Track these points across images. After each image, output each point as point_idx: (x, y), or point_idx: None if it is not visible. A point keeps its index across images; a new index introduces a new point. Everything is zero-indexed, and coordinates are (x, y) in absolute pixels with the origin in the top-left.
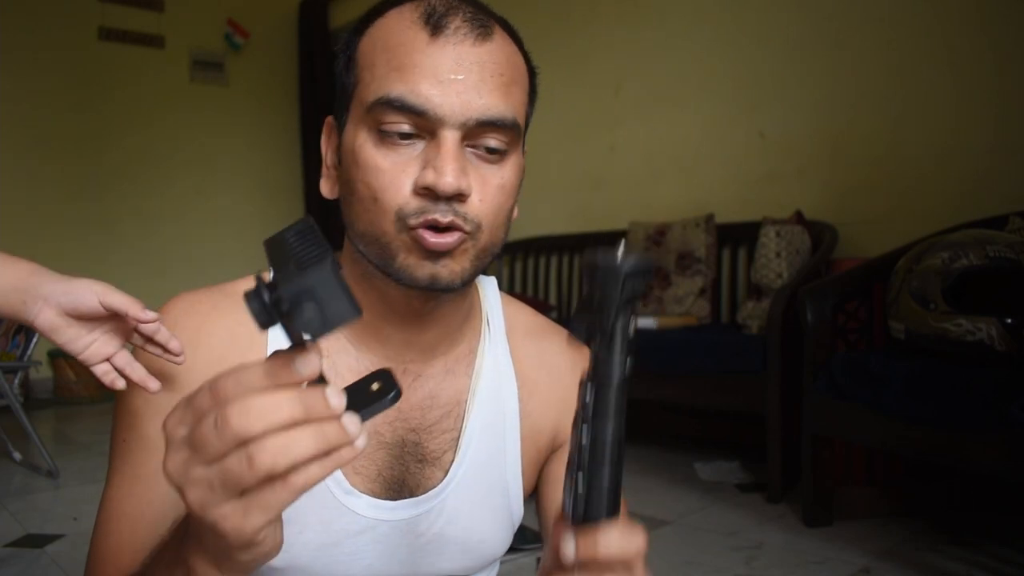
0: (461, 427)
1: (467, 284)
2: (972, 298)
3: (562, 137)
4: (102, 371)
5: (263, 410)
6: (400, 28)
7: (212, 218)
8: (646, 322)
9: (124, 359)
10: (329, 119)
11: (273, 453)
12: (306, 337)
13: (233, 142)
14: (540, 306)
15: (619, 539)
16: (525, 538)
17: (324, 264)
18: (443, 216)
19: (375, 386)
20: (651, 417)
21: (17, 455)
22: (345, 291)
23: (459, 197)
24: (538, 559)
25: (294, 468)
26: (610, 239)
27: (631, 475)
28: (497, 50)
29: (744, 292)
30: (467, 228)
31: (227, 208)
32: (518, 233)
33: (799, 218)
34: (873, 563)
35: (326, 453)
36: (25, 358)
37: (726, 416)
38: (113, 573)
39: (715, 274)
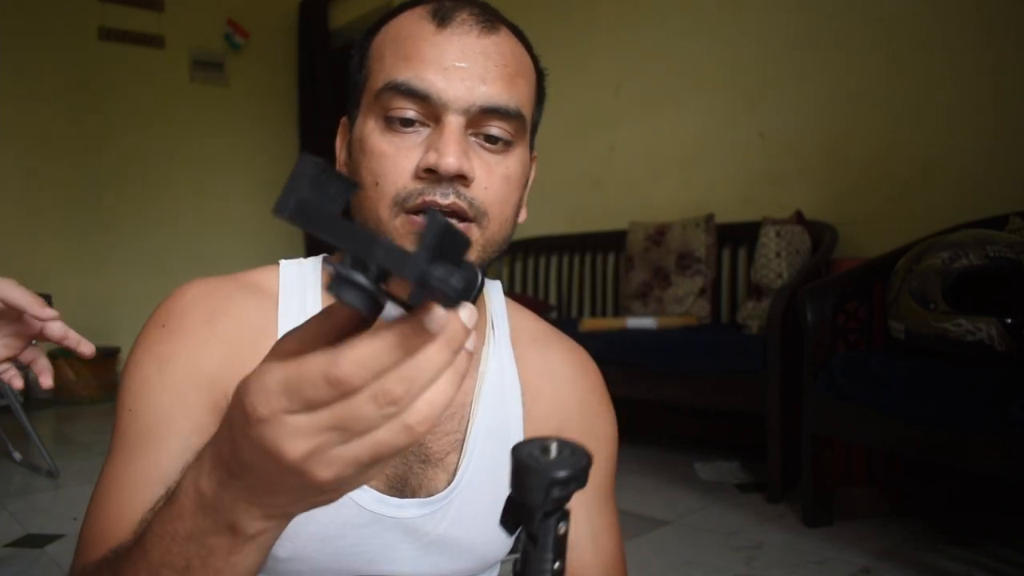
0: (465, 429)
1: None
2: (972, 298)
3: (562, 137)
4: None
5: (422, 375)
6: (410, 23)
7: (212, 217)
8: (646, 322)
9: (32, 354)
10: (344, 119)
11: (431, 406)
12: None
13: (233, 142)
14: (540, 306)
15: None
16: None
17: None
18: (443, 198)
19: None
20: (651, 417)
21: (17, 455)
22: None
23: (461, 180)
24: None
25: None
26: (610, 239)
27: (631, 475)
28: (502, 43)
29: (744, 292)
30: (471, 213)
31: (227, 207)
32: (518, 233)
33: (799, 218)
34: (873, 563)
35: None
36: None
37: (726, 416)
38: (112, 535)
39: (715, 274)
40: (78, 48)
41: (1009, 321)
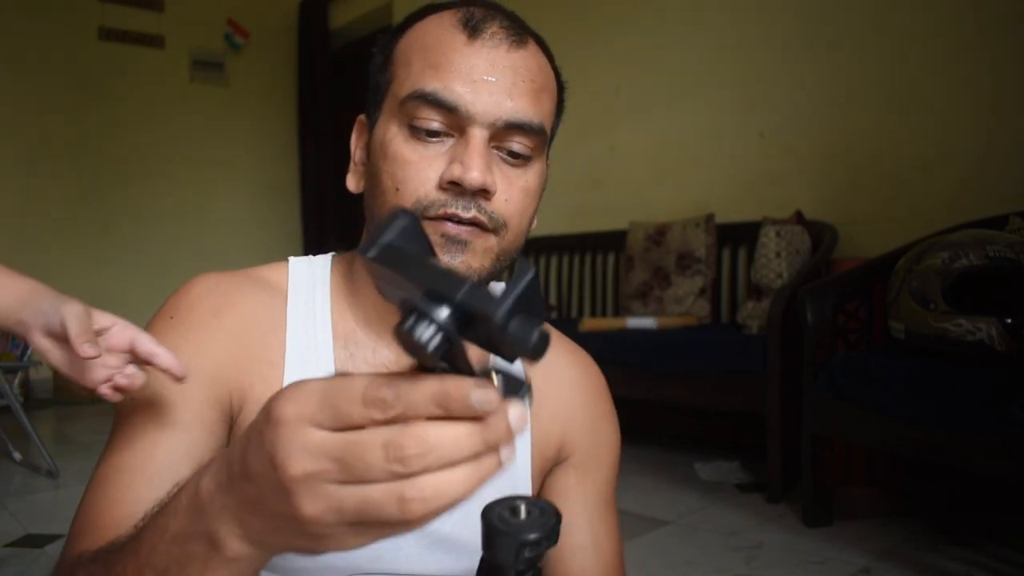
0: None
1: (483, 283)
2: (972, 298)
3: (562, 137)
4: (103, 392)
5: (442, 449)
6: (439, 29)
7: (212, 217)
8: (646, 322)
9: (127, 374)
10: (361, 117)
11: (436, 492)
12: (494, 364)
13: (233, 142)
14: None
15: None
16: None
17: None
18: (465, 211)
19: (497, 379)
20: (651, 417)
21: (17, 455)
22: (541, 300)
23: (484, 193)
24: None
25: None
26: (610, 239)
27: (631, 475)
28: (530, 58)
29: (744, 292)
30: (490, 225)
31: (227, 207)
32: None
33: (799, 218)
34: (873, 563)
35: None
36: (25, 358)
37: (726, 416)
38: (107, 522)
39: (715, 274)
40: (78, 48)
41: (1009, 321)
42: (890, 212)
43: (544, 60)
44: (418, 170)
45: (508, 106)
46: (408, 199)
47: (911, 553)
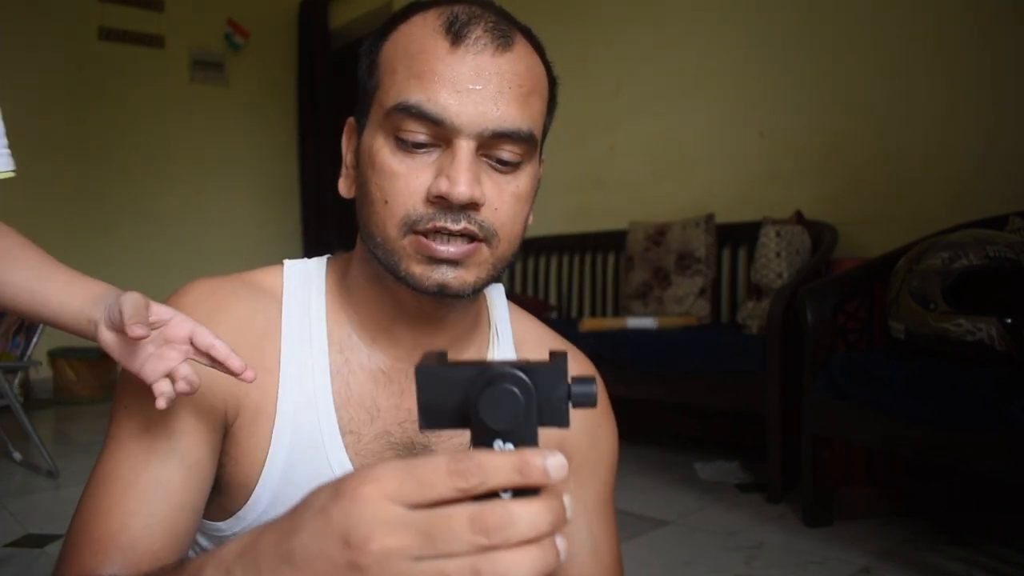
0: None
1: (479, 292)
2: (972, 298)
3: (562, 137)
4: (157, 391)
5: (522, 523)
6: (422, 35)
7: (211, 217)
8: (646, 322)
9: (185, 371)
10: (351, 120)
11: (506, 569)
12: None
13: (233, 142)
14: (540, 306)
15: None
16: None
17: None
18: (454, 224)
19: None
20: (651, 417)
21: (17, 455)
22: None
23: (472, 206)
24: None
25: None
26: (610, 239)
27: (631, 475)
28: (517, 60)
29: (744, 292)
30: (481, 235)
31: (226, 207)
32: None
33: (799, 218)
34: (873, 563)
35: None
36: (25, 358)
37: (726, 416)
38: (100, 533)
39: (715, 274)
40: (78, 48)
41: (1009, 321)
42: (890, 212)
43: (533, 59)
44: (406, 182)
45: (495, 115)
46: (397, 212)
47: (911, 553)
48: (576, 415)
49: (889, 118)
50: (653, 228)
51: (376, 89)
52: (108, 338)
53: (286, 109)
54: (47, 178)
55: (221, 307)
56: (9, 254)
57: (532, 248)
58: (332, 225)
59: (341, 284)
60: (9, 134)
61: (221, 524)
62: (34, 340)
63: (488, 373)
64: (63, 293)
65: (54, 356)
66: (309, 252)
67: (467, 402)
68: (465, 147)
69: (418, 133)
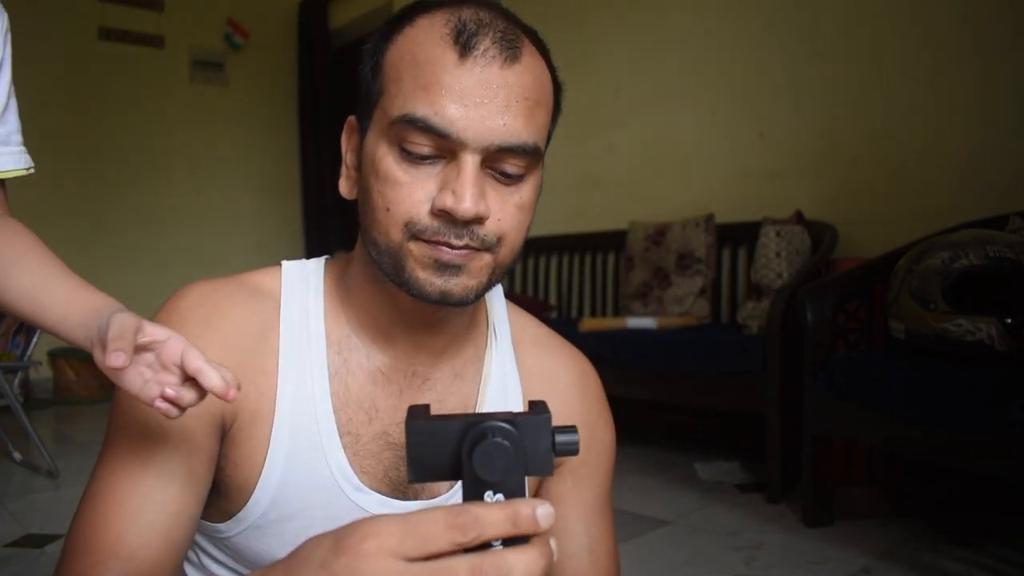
0: None
1: (480, 298)
2: (972, 298)
3: (562, 137)
4: (158, 407)
5: (517, 570)
6: (429, 43)
7: (211, 217)
8: (646, 322)
9: (188, 399)
10: (351, 119)
11: None
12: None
13: (233, 142)
14: (540, 306)
15: None
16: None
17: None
18: (458, 239)
19: None
20: (651, 417)
21: (17, 455)
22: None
23: (476, 220)
24: None
25: None
26: (610, 239)
27: (631, 475)
28: (524, 72)
29: (744, 292)
30: (483, 247)
31: (226, 208)
32: None
33: (799, 218)
34: (873, 563)
35: None
36: (25, 358)
37: (726, 416)
38: (100, 542)
39: (715, 274)
40: (78, 48)
41: (1009, 321)
42: (890, 212)
43: (540, 68)
44: (410, 192)
45: (501, 130)
46: (399, 219)
47: (911, 553)
48: (575, 412)
49: (889, 118)
50: (653, 228)
51: (380, 95)
52: (101, 358)
53: (286, 109)
54: (46, 178)
55: (218, 311)
56: (17, 258)
57: (532, 248)
58: (334, 225)
59: (340, 285)
60: None
61: (220, 526)
62: (34, 340)
63: (479, 428)
64: (64, 304)
65: (54, 356)
66: (312, 252)
67: (457, 455)
68: (471, 161)
69: (423, 146)
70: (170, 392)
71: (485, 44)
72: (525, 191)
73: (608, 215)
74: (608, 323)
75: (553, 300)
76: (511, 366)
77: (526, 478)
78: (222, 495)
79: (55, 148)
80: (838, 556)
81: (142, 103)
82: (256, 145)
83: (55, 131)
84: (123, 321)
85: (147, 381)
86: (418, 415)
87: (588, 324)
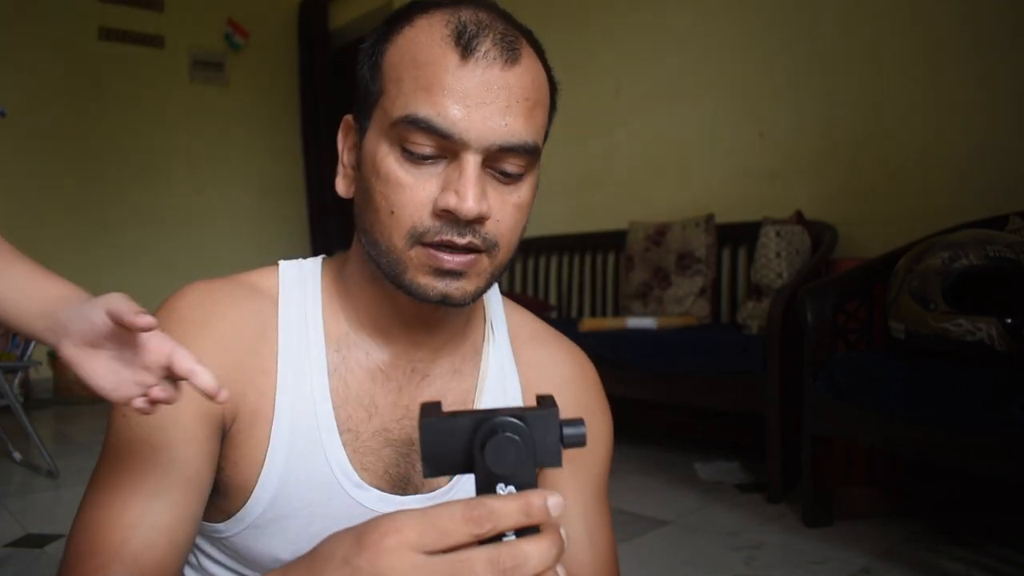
0: None
1: (478, 299)
2: (972, 298)
3: (562, 137)
4: (136, 406)
5: (533, 558)
6: (429, 44)
7: (211, 217)
8: (646, 322)
9: (162, 392)
10: (348, 118)
11: None
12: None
13: (233, 142)
14: (540, 306)
15: None
16: None
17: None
18: (461, 238)
19: None
20: (651, 417)
21: (17, 455)
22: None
23: (478, 220)
24: None
25: None
26: (610, 239)
27: (631, 475)
28: (524, 73)
29: (744, 292)
30: (484, 247)
31: (227, 208)
32: None
33: (799, 218)
34: (873, 563)
35: None
36: (25, 358)
37: (726, 416)
38: (103, 546)
39: (715, 274)
40: (78, 48)
41: (1009, 321)
42: (890, 212)
43: (538, 69)
44: (413, 194)
45: (502, 130)
46: (404, 223)
47: (911, 553)
48: (571, 404)
49: (889, 118)
50: (653, 228)
51: (380, 95)
52: (73, 353)
53: (286, 109)
54: (46, 177)
55: (217, 311)
56: None
57: (532, 248)
58: (336, 225)
59: (337, 283)
60: (9, 132)
61: (220, 526)
62: (34, 340)
63: (490, 423)
64: (18, 291)
65: (54, 356)
66: (317, 252)
67: (469, 450)
68: (472, 161)
69: (425, 146)
70: (161, 394)
71: (486, 46)
72: (523, 190)
73: (608, 215)
74: (608, 323)
75: (553, 300)
76: (509, 361)
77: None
78: (222, 495)
79: (55, 148)
80: (838, 556)
81: (142, 103)
82: (256, 145)
83: (55, 131)
84: (122, 296)
85: (123, 380)
86: (430, 412)
87: (588, 324)
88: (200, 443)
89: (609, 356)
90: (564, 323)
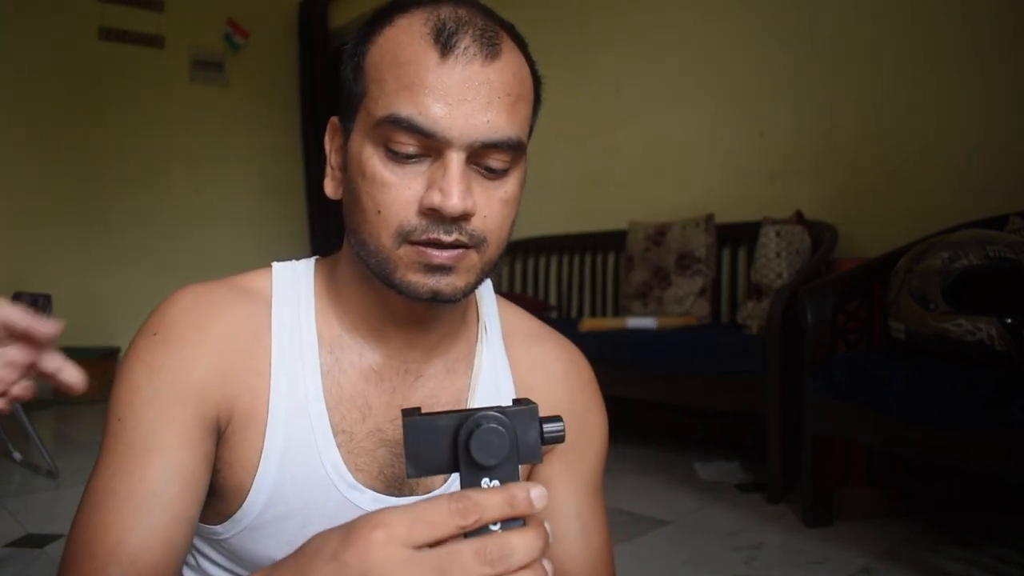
0: None
1: (469, 295)
2: (972, 298)
3: (562, 137)
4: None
5: (519, 550)
6: (410, 43)
7: (211, 218)
8: (646, 322)
9: (56, 362)
10: (334, 120)
11: None
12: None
13: (233, 142)
14: (540, 306)
15: None
16: None
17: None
18: (447, 235)
19: None
20: (651, 417)
21: (17, 455)
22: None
23: (464, 216)
24: None
25: None
26: (610, 239)
27: (631, 475)
28: (505, 68)
29: (744, 292)
30: (471, 244)
31: (227, 208)
32: (518, 233)
33: (799, 218)
34: (873, 563)
35: None
36: None
37: (726, 416)
38: (99, 549)
39: (715, 274)
40: (78, 48)
41: (1009, 321)
42: (890, 212)
43: (520, 63)
44: (398, 193)
45: (485, 126)
46: (391, 222)
47: (911, 553)
48: (565, 400)
49: (889, 118)
50: (653, 228)
51: (363, 96)
52: None
53: (286, 109)
54: (46, 177)
55: (211, 313)
56: None
57: (532, 248)
58: (336, 225)
59: (330, 284)
60: (9, 132)
61: (217, 527)
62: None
63: (473, 419)
64: None
65: None
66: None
67: (452, 449)
68: (456, 159)
69: (409, 145)
70: (24, 393)
71: (466, 42)
72: (510, 185)
73: (608, 215)
74: (608, 323)
75: (553, 300)
76: (502, 359)
77: (519, 466)
78: (218, 497)
79: (55, 148)
80: (838, 556)
81: (142, 103)
82: (256, 145)
83: (55, 131)
84: (9, 304)
85: None
86: (412, 413)
87: (588, 324)
88: (195, 445)
89: (609, 356)
90: (564, 323)
